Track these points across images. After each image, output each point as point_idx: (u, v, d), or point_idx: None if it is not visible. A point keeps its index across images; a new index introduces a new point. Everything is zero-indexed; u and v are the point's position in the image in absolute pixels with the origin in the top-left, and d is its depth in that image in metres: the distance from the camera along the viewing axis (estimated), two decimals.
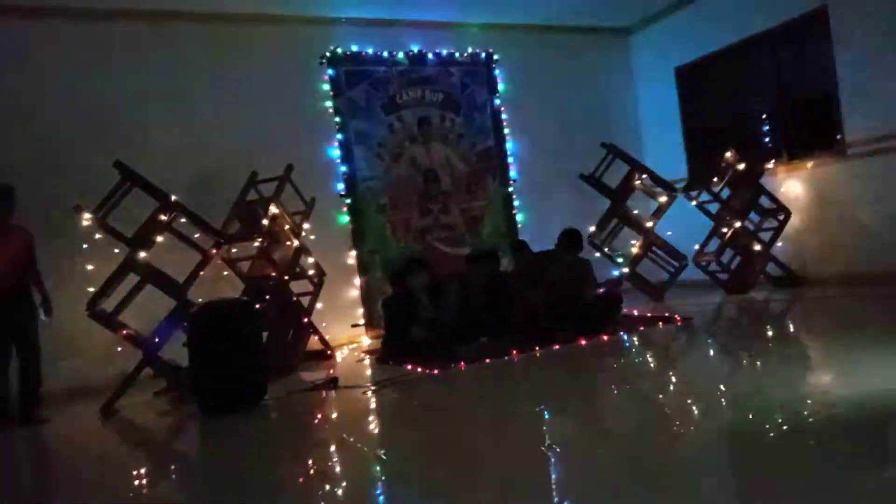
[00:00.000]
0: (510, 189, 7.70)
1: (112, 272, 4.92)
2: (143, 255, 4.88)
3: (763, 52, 7.17)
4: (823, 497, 1.97)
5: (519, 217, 7.70)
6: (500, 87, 7.74)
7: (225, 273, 5.96)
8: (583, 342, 5.05)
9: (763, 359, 4.02)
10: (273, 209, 5.67)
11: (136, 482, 3.19)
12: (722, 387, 3.37)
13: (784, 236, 6.87)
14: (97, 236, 5.26)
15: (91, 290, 5.00)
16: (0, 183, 4.68)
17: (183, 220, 5.22)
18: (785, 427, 2.68)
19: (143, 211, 5.04)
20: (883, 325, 4.51)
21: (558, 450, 2.76)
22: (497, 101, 7.71)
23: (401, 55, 7.23)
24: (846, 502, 1.91)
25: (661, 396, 3.49)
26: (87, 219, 4.94)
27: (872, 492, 1.96)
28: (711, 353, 4.38)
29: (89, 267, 5.48)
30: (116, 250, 5.13)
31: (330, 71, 6.90)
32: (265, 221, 5.62)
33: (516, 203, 7.71)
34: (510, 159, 7.73)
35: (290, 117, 6.55)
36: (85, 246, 5.43)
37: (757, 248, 6.81)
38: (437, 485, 2.51)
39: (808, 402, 3.01)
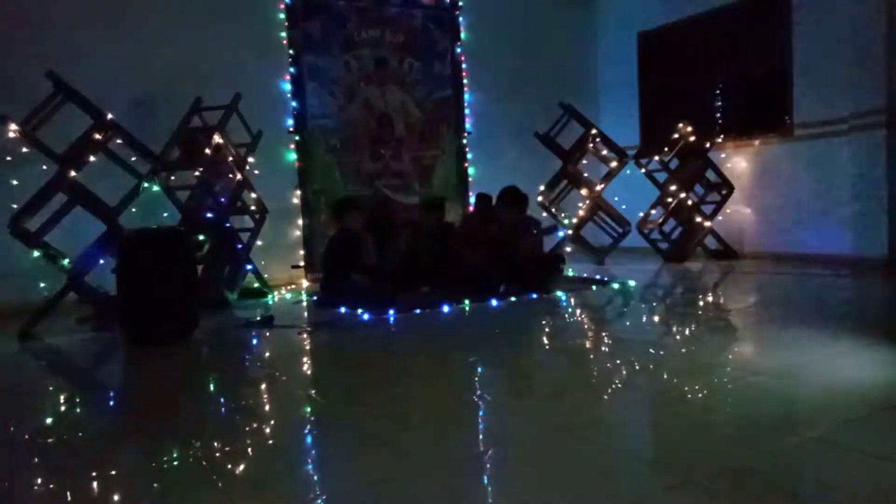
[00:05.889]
0: (464, 141, 7.61)
1: (39, 190, 4.66)
2: (73, 174, 4.63)
3: (725, 26, 7.21)
4: (735, 456, 2.05)
5: (471, 170, 7.64)
6: (463, 35, 7.56)
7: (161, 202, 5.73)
8: (520, 299, 5.12)
9: (692, 325, 4.15)
10: (217, 139, 5.45)
11: (52, 409, 3.08)
12: (650, 350, 3.47)
13: (724, 211, 7.07)
14: (24, 150, 4.97)
15: (14, 206, 4.74)
16: None
17: (119, 141, 4.98)
18: (705, 391, 2.77)
19: (76, 128, 4.78)
20: (808, 302, 4.73)
21: (488, 398, 2.80)
22: (458, 50, 7.54)
23: None
24: (753, 461, 2.00)
25: (590, 357, 3.57)
26: (13, 130, 4.65)
27: (775, 453, 2.06)
28: (644, 317, 4.50)
29: (14, 182, 5.19)
30: (45, 167, 4.85)
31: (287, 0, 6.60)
32: (207, 151, 5.40)
33: (469, 156, 7.64)
34: (466, 111, 7.62)
35: (241, 45, 6.25)
36: (9, 159, 5.12)
37: (698, 219, 6.98)
38: (366, 426, 2.50)
39: (728, 368, 3.13)
